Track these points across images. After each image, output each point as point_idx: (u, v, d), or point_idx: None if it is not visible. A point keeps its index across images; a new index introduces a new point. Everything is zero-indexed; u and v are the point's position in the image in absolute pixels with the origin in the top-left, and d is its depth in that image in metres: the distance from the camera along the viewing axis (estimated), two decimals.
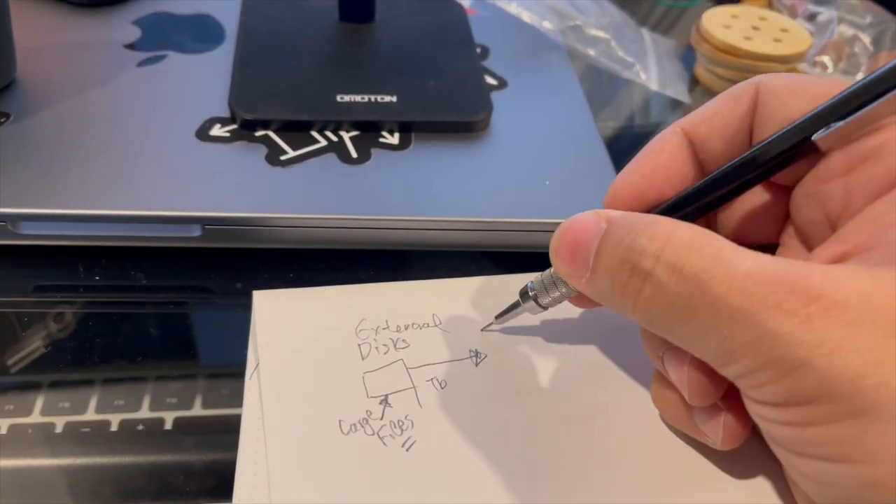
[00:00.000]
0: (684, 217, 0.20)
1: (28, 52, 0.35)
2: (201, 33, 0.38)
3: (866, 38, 0.45)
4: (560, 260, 0.20)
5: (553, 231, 0.20)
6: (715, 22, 0.43)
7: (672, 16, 0.52)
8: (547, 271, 0.23)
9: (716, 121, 0.22)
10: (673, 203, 0.21)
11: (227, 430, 0.23)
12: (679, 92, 0.42)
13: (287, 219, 0.28)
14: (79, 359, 0.26)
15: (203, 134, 0.32)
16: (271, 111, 0.32)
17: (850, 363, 0.15)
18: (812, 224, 0.21)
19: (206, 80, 0.35)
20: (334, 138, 0.32)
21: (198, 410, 0.25)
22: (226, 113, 0.33)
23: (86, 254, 0.29)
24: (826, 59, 0.44)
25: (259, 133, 0.32)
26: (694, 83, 0.45)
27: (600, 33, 0.43)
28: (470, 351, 0.25)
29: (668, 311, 0.17)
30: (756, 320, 0.16)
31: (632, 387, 0.25)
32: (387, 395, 0.24)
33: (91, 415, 0.24)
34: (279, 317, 0.26)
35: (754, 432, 0.21)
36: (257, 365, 0.24)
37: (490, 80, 0.37)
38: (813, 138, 0.19)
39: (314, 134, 0.32)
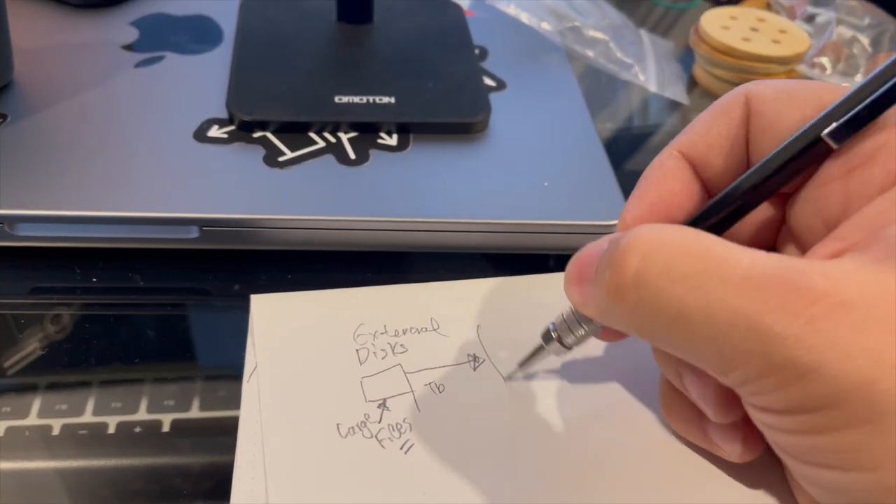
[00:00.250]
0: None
1: (25, 53, 0.34)
2: (199, 34, 0.38)
3: (865, 40, 0.45)
4: (570, 288, 0.20)
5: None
6: (713, 23, 0.43)
7: (671, 17, 0.52)
8: (567, 309, 0.22)
9: (712, 137, 0.21)
10: (692, 222, 0.20)
11: (225, 433, 0.23)
12: (678, 93, 0.42)
13: (285, 220, 0.28)
14: (76, 361, 0.26)
15: (201, 135, 0.32)
16: (269, 112, 0.32)
17: (861, 367, 0.14)
18: (810, 230, 0.20)
19: (203, 81, 0.35)
20: (332, 139, 0.32)
21: (195, 413, 0.25)
22: (224, 114, 0.33)
23: (83, 255, 0.29)
24: (825, 60, 0.44)
25: (257, 134, 0.32)
26: (692, 84, 0.45)
27: (599, 35, 0.43)
28: (468, 355, 0.25)
29: (656, 318, 0.17)
30: (757, 324, 0.15)
31: (633, 390, 0.25)
32: (385, 399, 0.24)
33: (88, 417, 0.24)
34: (277, 320, 0.26)
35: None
36: (255, 368, 0.24)
37: (489, 82, 0.37)
38: (823, 134, 0.18)
39: (312, 135, 0.32)
